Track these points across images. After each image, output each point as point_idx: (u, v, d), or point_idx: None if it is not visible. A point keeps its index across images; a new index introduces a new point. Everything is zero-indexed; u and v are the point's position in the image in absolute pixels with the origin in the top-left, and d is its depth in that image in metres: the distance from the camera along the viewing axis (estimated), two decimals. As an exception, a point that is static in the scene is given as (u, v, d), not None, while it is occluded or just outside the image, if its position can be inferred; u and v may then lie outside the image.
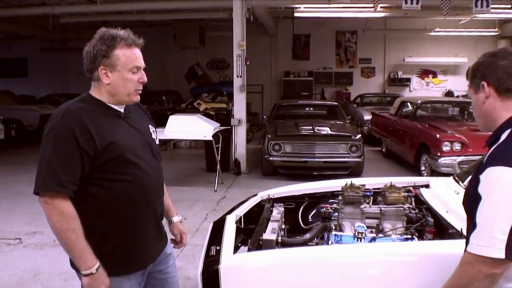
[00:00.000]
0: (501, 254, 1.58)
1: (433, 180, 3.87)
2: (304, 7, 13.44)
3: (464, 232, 2.64)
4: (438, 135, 8.47)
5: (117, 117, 2.22)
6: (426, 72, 20.57)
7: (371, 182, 3.86)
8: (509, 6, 9.90)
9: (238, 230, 3.32)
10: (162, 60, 20.18)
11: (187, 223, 6.24)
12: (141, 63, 2.21)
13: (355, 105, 17.18)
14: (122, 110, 2.25)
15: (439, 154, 8.15)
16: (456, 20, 16.45)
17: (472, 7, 9.73)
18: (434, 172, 8.13)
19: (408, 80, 20.40)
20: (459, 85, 20.05)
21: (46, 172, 2.00)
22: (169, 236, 2.66)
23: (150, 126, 2.43)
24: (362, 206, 3.31)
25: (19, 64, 22.22)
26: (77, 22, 14.68)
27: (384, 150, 11.99)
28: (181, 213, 7.13)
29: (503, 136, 1.75)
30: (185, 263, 4.94)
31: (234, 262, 2.64)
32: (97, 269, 2.06)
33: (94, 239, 2.09)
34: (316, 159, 8.65)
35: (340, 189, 3.60)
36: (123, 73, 2.15)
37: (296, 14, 14.37)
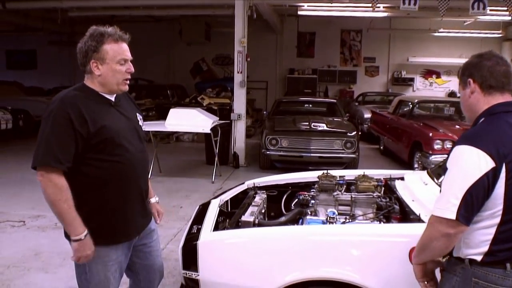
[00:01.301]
0: (453, 216, 1.84)
1: (407, 173, 4.13)
2: (307, 6, 13.64)
3: (422, 217, 2.95)
4: (430, 134, 8.70)
5: (108, 105, 2.50)
6: (430, 72, 20.70)
7: (349, 173, 4.13)
8: (506, 8, 10.07)
9: (222, 213, 3.61)
10: (168, 55, 20.48)
11: (182, 211, 6.54)
12: (128, 55, 2.49)
13: (356, 103, 17.40)
14: (112, 99, 2.53)
15: (430, 152, 8.38)
16: (460, 21, 16.60)
17: (469, 9, 9.92)
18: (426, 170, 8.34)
19: (412, 80, 20.54)
20: (462, 86, 20.19)
21: (44, 150, 2.27)
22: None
23: (137, 114, 2.72)
24: (335, 193, 3.59)
25: (28, 56, 22.57)
26: (85, 16, 14.94)
27: (381, 147, 12.23)
28: (178, 202, 7.46)
29: (478, 124, 2.04)
30: (176, 246, 5.21)
31: (211, 238, 2.92)
32: (85, 236, 2.34)
33: (84, 212, 2.36)
34: (312, 154, 8.90)
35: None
36: (112, 65, 2.42)
37: (299, 12, 14.55)
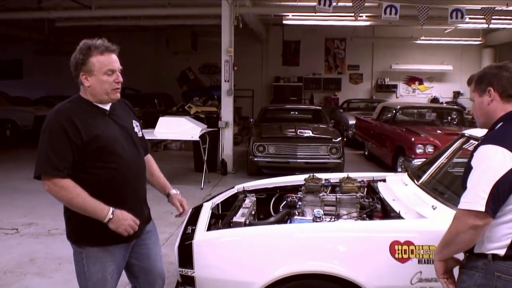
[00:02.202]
0: (482, 208, 2.00)
1: (389, 175, 4.35)
2: (292, 15, 13.93)
3: (402, 214, 3.17)
4: (412, 138, 8.97)
5: (102, 114, 2.62)
6: (413, 79, 21.09)
7: (334, 176, 4.35)
8: (482, 16, 10.43)
9: (214, 216, 3.81)
10: (155, 64, 20.61)
11: (173, 217, 6.67)
12: (115, 66, 2.59)
13: (341, 110, 17.70)
14: (107, 108, 2.65)
15: (413, 156, 8.64)
16: (441, 29, 16.99)
17: (448, 18, 10.26)
18: (409, 174, 8.60)
19: (395, 86, 20.92)
20: (444, 92, 20.63)
21: (44, 160, 2.43)
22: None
23: (133, 121, 2.83)
24: (321, 194, 3.81)
25: (13, 66, 22.41)
26: (72, 26, 15.07)
27: (366, 153, 12.49)
28: (168, 209, 7.60)
29: (496, 128, 2.23)
30: (169, 250, 5.38)
31: (205, 237, 3.11)
32: (112, 213, 2.48)
33: (80, 216, 2.50)
34: (298, 160, 9.12)
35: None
36: (99, 76, 2.54)
37: (284, 22, 14.87)
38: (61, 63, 21.85)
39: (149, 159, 3.04)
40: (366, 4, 10.15)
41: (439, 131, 9.55)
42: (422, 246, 2.80)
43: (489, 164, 2.06)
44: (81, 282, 2.68)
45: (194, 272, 3.00)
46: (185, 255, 3.04)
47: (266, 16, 15.55)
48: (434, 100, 20.42)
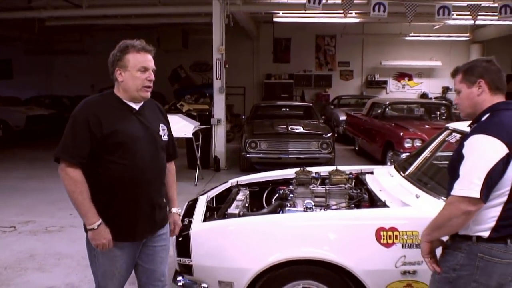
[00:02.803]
0: (477, 195, 2.12)
1: (376, 168, 4.53)
2: (282, 13, 14.08)
3: (387, 203, 3.35)
4: (401, 133, 9.17)
5: (129, 112, 2.69)
6: (402, 75, 21.38)
7: (323, 169, 4.51)
8: (468, 13, 10.65)
9: (209, 209, 3.97)
10: (146, 63, 20.66)
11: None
12: (149, 64, 2.67)
13: (332, 106, 17.90)
14: (136, 107, 2.72)
15: (401, 150, 8.83)
16: (430, 25, 17.21)
17: (435, 14, 10.46)
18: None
19: (385, 82, 21.21)
20: (433, 87, 20.90)
21: (62, 145, 2.56)
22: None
23: (161, 124, 2.85)
24: (311, 186, 3.98)
25: (3, 66, 22.40)
26: (63, 25, 15.11)
27: (357, 148, 12.67)
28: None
29: (484, 118, 2.36)
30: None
31: (201, 228, 3.27)
32: (98, 226, 2.55)
33: (96, 208, 2.58)
34: (290, 156, 9.28)
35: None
36: (133, 72, 2.63)
37: (275, 19, 14.99)
38: (51, 62, 21.98)
39: (170, 169, 3.03)
40: (355, 1, 10.32)
41: (427, 126, 9.75)
42: (406, 231, 2.98)
43: (482, 153, 2.17)
44: (93, 270, 2.80)
45: (191, 260, 3.17)
46: (183, 245, 3.19)
47: (256, 14, 15.70)
48: (424, 95, 20.68)
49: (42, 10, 13.28)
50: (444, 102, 13.63)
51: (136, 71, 2.63)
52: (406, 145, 8.81)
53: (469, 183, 2.15)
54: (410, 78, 21.40)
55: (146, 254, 2.86)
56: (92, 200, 2.59)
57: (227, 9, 10.86)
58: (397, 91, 21.33)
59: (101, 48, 19.59)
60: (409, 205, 3.25)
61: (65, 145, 2.55)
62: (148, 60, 2.68)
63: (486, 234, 2.24)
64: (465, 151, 2.24)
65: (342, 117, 14.85)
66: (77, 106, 2.65)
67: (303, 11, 12.77)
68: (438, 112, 11.49)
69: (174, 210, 3.05)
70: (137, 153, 2.63)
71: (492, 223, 2.23)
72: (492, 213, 2.23)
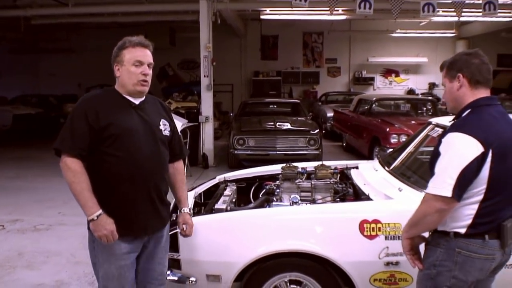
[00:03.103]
0: (449, 194, 2.12)
1: (361, 163, 4.61)
2: (269, 10, 14.14)
3: (371, 196, 3.43)
4: (387, 129, 9.28)
5: (128, 106, 2.72)
6: (389, 71, 21.53)
7: (309, 165, 4.59)
8: (453, 9, 10.79)
9: (197, 204, 4.03)
10: (134, 61, 20.62)
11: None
12: (145, 59, 2.69)
13: (319, 103, 18.00)
14: (135, 102, 2.74)
15: (388, 145, 8.93)
16: (416, 22, 17.34)
17: (420, 11, 10.58)
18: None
19: (372, 79, 21.35)
20: (420, 83, 21.09)
21: (61, 137, 2.58)
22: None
23: (162, 120, 2.85)
24: (297, 181, 4.05)
25: (-11, 65, 22.25)
26: (49, 24, 15.02)
27: (344, 144, 12.78)
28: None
29: (464, 114, 2.33)
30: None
31: (189, 223, 3.31)
32: (98, 216, 2.53)
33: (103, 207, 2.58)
34: (278, 152, 9.36)
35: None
36: (128, 67, 2.67)
37: (262, 17, 15.05)
38: (38, 61, 21.80)
39: (178, 168, 3.05)
40: (342, -2, 10.44)
41: (413, 122, 9.86)
42: (389, 223, 3.06)
43: (457, 151, 2.16)
44: (96, 270, 2.77)
45: (179, 255, 3.22)
46: (171, 240, 3.23)
47: (244, 12, 15.72)
48: (411, 91, 20.83)
49: (27, 9, 13.19)
50: (430, 98, 13.76)
51: (131, 66, 2.66)
52: (392, 140, 8.92)
53: (442, 181, 2.16)
54: (397, 75, 21.57)
55: (145, 253, 2.83)
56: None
57: (214, 6, 10.91)
58: (384, 88, 21.49)
59: (88, 47, 19.79)
60: (392, 198, 3.33)
61: (64, 137, 2.58)
62: (144, 54, 2.70)
63: (462, 230, 2.24)
64: (441, 148, 2.23)
65: (330, 114, 14.94)
66: (78, 100, 2.72)
67: (290, 9, 12.84)
68: (425, 108, 11.64)
69: (185, 210, 3.04)
70: (135, 146, 2.64)
71: (468, 221, 2.23)
72: (468, 211, 2.23)
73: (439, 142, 2.27)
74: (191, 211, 3.12)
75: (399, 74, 21.55)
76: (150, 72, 2.74)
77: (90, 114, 2.58)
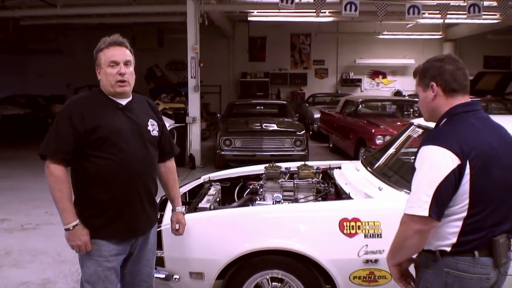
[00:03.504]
0: (425, 213, 1.94)
1: (344, 163, 4.70)
2: (257, 12, 14.23)
3: (352, 195, 3.51)
4: (373, 130, 9.39)
5: (114, 107, 2.66)
6: (376, 73, 21.72)
7: (293, 165, 4.66)
8: (438, 12, 10.95)
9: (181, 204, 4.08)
10: (122, 62, 20.62)
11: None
12: (119, 58, 2.62)
13: (307, 104, 18.11)
14: (122, 103, 2.69)
15: (373, 146, 9.03)
16: (403, 24, 17.53)
17: (405, 13, 10.72)
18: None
19: (360, 80, 21.52)
20: (407, 85, 21.22)
21: (45, 141, 2.56)
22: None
23: (150, 120, 2.80)
24: (280, 180, 4.13)
25: (-23, 65, 22.12)
26: (38, 24, 15.01)
27: (331, 145, 12.89)
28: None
29: (440, 124, 2.16)
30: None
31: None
32: (74, 227, 2.52)
33: (80, 204, 2.59)
34: (264, 153, 9.44)
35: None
36: (104, 69, 2.62)
37: (250, 18, 15.14)
38: (26, 61, 21.71)
39: (170, 167, 3.03)
40: (327, 0, 10.50)
41: (398, 123, 9.98)
42: (368, 222, 3.13)
43: (430, 166, 1.99)
44: (82, 273, 2.71)
45: (163, 252, 3.28)
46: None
47: (231, 13, 15.81)
48: (398, 93, 21.02)
49: (16, 10, 13.19)
50: (416, 99, 13.91)
51: (107, 67, 2.62)
52: (378, 141, 9.02)
53: (417, 199, 1.99)
54: (384, 76, 21.76)
55: (132, 255, 2.80)
56: (80, 197, 2.60)
57: (201, 8, 10.97)
58: (371, 89, 21.66)
59: (76, 47, 19.77)
60: (372, 197, 3.42)
61: (48, 141, 2.56)
62: (118, 53, 2.64)
63: (448, 249, 2.06)
64: (416, 163, 2.08)
65: (317, 115, 15.05)
66: (64, 103, 2.70)
67: (277, 10, 12.92)
68: (412, 109, 11.78)
69: (178, 209, 3.05)
70: (123, 148, 2.60)
71: (453, 239, 2.04)
72: (452, 229, 2.05)
73: (416, 156, 2.12)
74: (184, 210, 3.13)
75: (386, 76, 21.75)
76: (128, 70, 2.66)
77: (75, 117, 2.55)
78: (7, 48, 20.52)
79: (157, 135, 2.82)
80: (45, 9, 13.21)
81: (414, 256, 2.22)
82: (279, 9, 11.88)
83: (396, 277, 2.23)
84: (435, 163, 1.98)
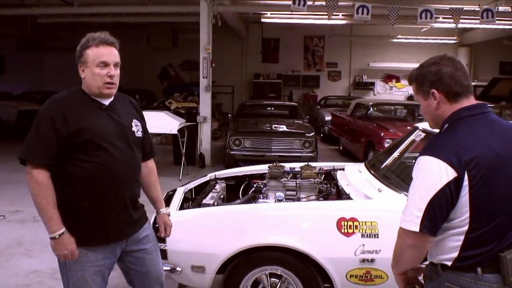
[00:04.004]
0: (416, 228, 1.83)
1: (348, 165, 4.78)
2: (270, 14, 14.34)
3: (351, 196, 3.60)
4: (382, 133, 9.44)
5: (98, 108, 2.54)
6: (390, 77, 21.63)
7: (297, 165, 4.76)
8: (450, 16, 10.96)
9: (187, 199, 4.21)
10: (136, 61, 20.71)
11: (151, 206, 7.04)
12: (109, 59, 2.49)
13: (318, 107, 18.17)
14: (105, 103, 2.56)
15: (382, 150, 9.07)
16: (417, 28, 17.49)
17: (417, 18, 10.75)
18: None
19: (373, 84, 21.48)
20: (420, 89, 21.16)
21: (26, 145, 2.42)
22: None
23: (134, 120, 2.70)
24: (283, 180, 4.24)
25: (-5, 62, 22.52)
26: (55, 22, 15.28)
27: (341, 148, 12.93)
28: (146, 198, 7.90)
29: (443, 130, 2.01)
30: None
31: (176, 216, 3.49)
32: (60, 235, 2.39)
33: (64, 210, 2.43)
34: (273, 154, 9.50)
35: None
36: (92, 68, 2.47)
37: (262, 20, 15.27)
38: (43, 58, 22.04)
39: (151, 168, 2.93)
40: (340, 3, 10.56)
41: (408, 127, 9.96)
42: (365, 222, 3.22)
43: (424, 178, 1.87)
44: (64, 280, 2.62)
45: (166, 246, 3.39)
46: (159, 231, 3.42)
47: (245, 14, 15.93)
48: (411, 97, 20.91)
49: (34, 8, 13.45)
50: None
51: (95, 67, 2.48)
52: (386, 145, 9.03)
53: (410, 214, 1.88)
54: (398, 80, 21.68)
55: (136, 257, 2.75)
56: (63, 202, 2.45)
57: (214, 9, 11.10)
58: (384, 93, 21.61)
59: (91, 45, 19.88)
60: (371, 198, 3.50)
61: (30, 145, 2.42)
62: (109, 54, 2.51)
63: (449, 263, 1.94)
64: (412, 174, 1.95)
65: (328, 117, 15.08)
66: (44, 104, 2.53)
67: (290, 13, 13.02)
68: (417, 113, 11.79)
69: (163, 210, 2.96)
70: (108, 150, 2.49)
71: (454, 253, 1.92)
72: (453, 243, 1.92)
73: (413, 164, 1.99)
74: (169, 211, 3.05)
75: (400, 80, 21.65)
76: (116, 72, 2.55)
77: (58, 119, 2.41)
78: (24, 45, 20.90)
79: (141, 136, 2.73)
80: (62, 7, 13.45)
81: (423, 265, 2.10)
82: (291, 12, 11.99)
83: (401, 286, 2.14)
84: (429, 176, 1.86)
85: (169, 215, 3.00)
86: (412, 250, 1.92)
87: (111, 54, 2.52)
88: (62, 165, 2.44)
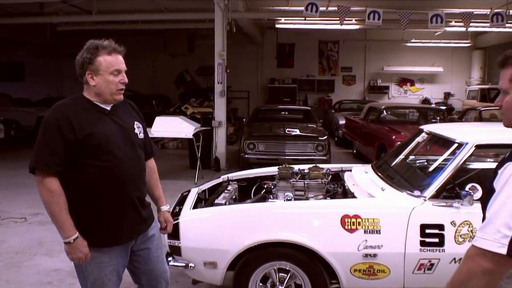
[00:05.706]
0: (503, 250, 1.47)
1: (355, 166, 4.95)
2: (284, 20, 14.56)
3: (356, 195, 3.77)
4: (393, 136, 9.56)
5: (101, 113, 2.61)
6: (404, 80, 21.74)
7: (307, 166, 4.94)
8: (461, 20, 11.06)
9: (200, 200, 4.42)
10: (153, 66, 21.21)
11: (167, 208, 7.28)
12: (122, 67, 2.60)
13: (333, 111, 18.30)
14: (108, 108, 2.64)
15: (392, 152, 9.22)
16: (431, 31, 17.56)
17: (428, 22, 10.88)
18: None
19: (387, 88, 21.60)
20: (435, 93, 21.28)
21: (36, 154, 2.46)
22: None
23: (136, 122, 2.78)
24: (291, 180, 4.43)
25: (16, 68, 23.08)
26: (73, 30, 15.66)
27: (354, 151, 13.06)
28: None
29: None
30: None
31: (190, 214, 3.72)
32: (74, 240, 2.47)
33: (76, 214, 2.51)
34: (286, 157, 9.67)
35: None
36: (105, 76, 2.55)
37: (277, 25, 15.48)
38: (61, 66, 22.47)
39: (152, 167, 3.00)
40: (352, 9, 10.75)
41: (420, 130, 10.11)
42: (368, 219, 3.39)
43: None
44: (81, 281, 2.72)
45: (180, 242, 3.60)
46: (173, 229, 3.61)
47: (259, 20, 16.16)
48: (425, 101, 21.02)
49: (54, 16, 13.85)
50: (439, 107, 14.01)
51: (109, 75, 2.57)
52: (398, 147, 9.19)
53: (493, 231, 1.50)
54: (412, 84, 21.77)
55: (143, 256, 2.84)
56: (75, 207, 2.52)
57: (229, 16, 11.33)
58: (399, 97, 21.70)
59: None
60: (374, 196, 3.68)
61: (39, 154, 2.47)
62: (120, 62, 2.62)
63: None
64: (496, 183, 1.59)
65: (342, 121, 15.22)
66: (48, 111, 2.58)
67: (302, 19, 13.21)
68: (438, 118, 11.86)
69: (164, 208, 3.03)
70: (115, 154, 2.57)
71: None
72: None
73: (495, 174, 1.63)
74: (169, 208, 3.16)
75: (414, 83, 21.76)
76: (127, 80, 2.67)
77: (64, 127, 2.47)
78: (44, 52, 21.37)
79: (143, 137, 2.82)
80: (81, 15, 13.84)
81: None
82: (304, 18, 12.18)
83: None
84: None
85: (169, 211, 3.11)
86: (487, 276, 1.53)
87: (122, 62, 2.63)
88: (71, 171, 2.51)
